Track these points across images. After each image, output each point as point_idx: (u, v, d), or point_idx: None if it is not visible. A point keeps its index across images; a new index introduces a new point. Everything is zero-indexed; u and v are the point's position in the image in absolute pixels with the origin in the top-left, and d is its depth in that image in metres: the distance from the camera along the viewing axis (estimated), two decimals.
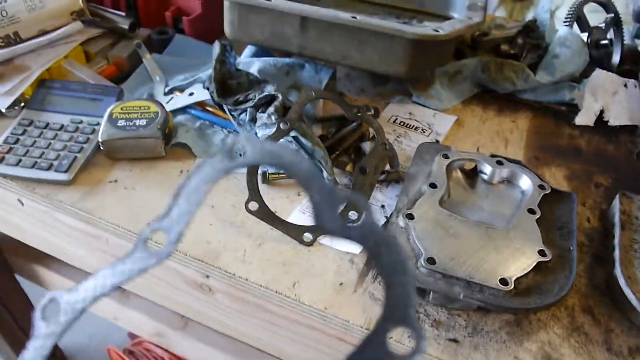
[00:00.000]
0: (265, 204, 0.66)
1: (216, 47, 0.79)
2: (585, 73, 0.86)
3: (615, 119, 0.81)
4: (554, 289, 0.57)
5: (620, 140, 0.83)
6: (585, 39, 0.87)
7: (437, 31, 0.72)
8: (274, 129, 0.71)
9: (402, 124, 0.83)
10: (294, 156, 0.25)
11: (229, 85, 0.79)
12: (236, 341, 0.79)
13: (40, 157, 0.73)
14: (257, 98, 0.75)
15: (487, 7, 0.87)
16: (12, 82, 0.82)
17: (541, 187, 0.67)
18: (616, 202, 0.66)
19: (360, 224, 0.25)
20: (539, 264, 0.58)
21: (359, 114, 0.74)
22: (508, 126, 0.85)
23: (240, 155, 0.26)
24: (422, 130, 0.83)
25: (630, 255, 0.61)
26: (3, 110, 0.80)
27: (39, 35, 0.88)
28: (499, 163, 0.70)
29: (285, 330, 0.65)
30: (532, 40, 0.93)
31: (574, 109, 0.85)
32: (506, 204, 0.67)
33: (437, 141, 0.80)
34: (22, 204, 0.75)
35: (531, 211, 0.63)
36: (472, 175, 0.71)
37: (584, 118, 0.82)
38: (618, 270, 0.58)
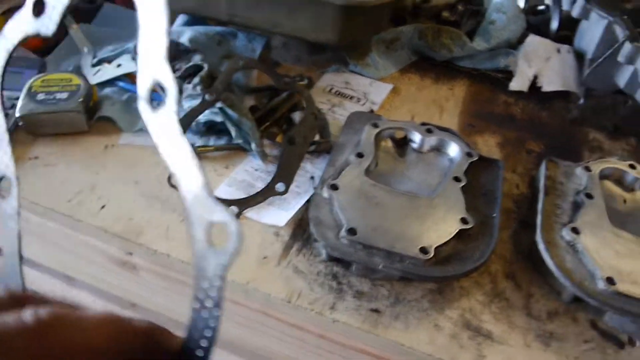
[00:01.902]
0: None
1: None
2: (523, 40, 0.85)
3: (548, 85, 0.81)
4: (474, 256, 0.57)
5: (555, 106, 0.83)
6: (522, 5, 0.87)
7: None
8: (199, 100, 0.69)
9: (337, 93, 0.82)
10: None
11: None
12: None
13: None
14: (183, 69, 0.73)
15: None
16: None
17: (469, 154, 0.66)
18: (542, 168, 0.67)
19: None
20: (460, 231, 0.58)
21: (288, 84, 0.72)
22: (444, 94, 0.84)
23: None
24: (358, 99, 0.81)
25: (552, 220, 0.61)
26: None
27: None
28: (429, 131, 0.69)
29: None
30: (472, 7, 0.92)
31: (510, 76, 0.85)
32: (434, 173, 0.67)
33: (372, 110, 0.79)
34: None
35: (457, 179, 0.63)
36: (403, 144, 0.70)
37: (518, 84, 0.82)
38: (538, 236, 0.58)
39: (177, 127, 0.23)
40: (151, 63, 0.22)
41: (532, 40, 0.82)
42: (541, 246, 0.58)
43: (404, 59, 0.88)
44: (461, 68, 0.87)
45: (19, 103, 0.71)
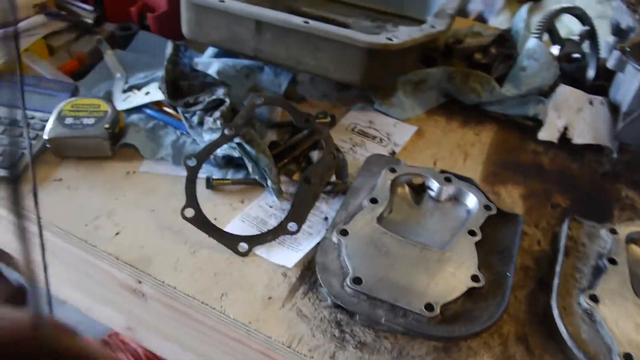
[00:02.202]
0: (201, 211, 0.65)
1: (169, 48, 0.77)
2: (555, 88, 0.83)
3: (578, 137, 0.78)
4: (482, 317, 0.55)
5: (586, 159, 0.80)
6: (556, 52, 0.84)
7: (391, 40, 0.70)
8: (219, 134, 0.70)
9: (360, 132, 0.81)
10: None
11: (181, 87, 0.77)
12: None
13: None
14: (206, 101, 0.73)
15: (456, 15, 0.84)
16: None
17: (487, 207, 0.64)
18: (564, 227, 0.64)
19: None
20: (471, 289, 0.56)
21: (308, 122, 0.72)
22: (470, 139, 0.82)
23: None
24: (380, 139, 0.80)
25: (570, 284, 0.58)
26: None
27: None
28: (447, 180, 0.67)
29: (215, 341, 0.63)
30: (505, 50, 0.90)
31: (540, 124, 0.82)
32: (450, 224, 0.65)
33: (394, 152, 0.78)
34: None
35: (472, 233, 0.61)
36: (420, 191, 0.69)
37: (546, 134, 0.79)
38: (554, 300, 0.56)
39: None
40: None
41: (563, 90, 0.80)
42: (555, 312, 0.55)
43: (432, 100, 0.87)
44: (490, 113, 0.85)
45: (48, 126, 0.73)
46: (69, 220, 0.67)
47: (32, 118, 0.77)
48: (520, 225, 0.64)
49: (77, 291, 0.82)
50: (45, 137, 0.72)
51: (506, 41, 0.91)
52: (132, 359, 1.46)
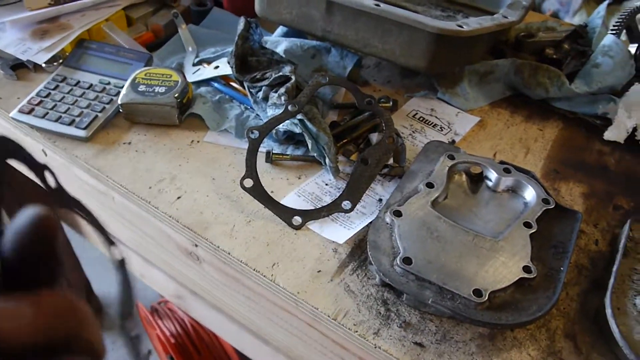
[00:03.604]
0: (260, 182, 0.67)
1: (241, 23, 0.79)
2: (628, 88, 0.80)
3: None
4: (531, 308, 0.54)
5: None
6: (633, 51, 0.81)
7: (461, 27, 0.69)
8: (282, 110, 0.71)
9: (421, 119, 0.81)
10: None
11: (249, 62, 0.79)
12: None
13: (65, 112, 0.77)
14: (272, 77, 0.75)
15: (530, 7, 0.82)
16: (53, 39, 0.86)
17: (545, 200, 0.63)
18: (626, 227, 0.62)
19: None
20: (521, 280, 0.55)
21: (370, 104, 0.73)
22: (533, 134, 0.81)
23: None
24: (441, 128, 0.80)
25: (627, 285, 0.56)
26: (43, 65, 0.85)
27: None
28: (507, 171, 0.66)
29: (262, 308, 0.66)
30: (578, 47, 0.88)
31: (608, 123, 0.79)
32: (505, 215, 0.64)
33: (453, 141, 0.78)
34: (46, 155, 0.79)
35: (527, 225, 0.60)
36: (477, 180, 0.68)
37: (613, 134, 0.76)
38: (607, 299, 0.55)
39: None
40: None
41: (636, 89, 0.77)
42: (608, 311, 0.54)
43: (497, 92, 0.85)
44: (556, 109, 0.83)
45: (123, 91, 0.77)
46: (134, 182, 0.71)
47: (108, 84, 0.82)
48: (578, 223, 0.62)
49: (135, 253, 0.87)
50: (119, 101, 0.76)
51: (580, 37, 0.88)
52: (178, 326, 1.53)
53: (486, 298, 0.53)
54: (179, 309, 1.49)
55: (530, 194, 0.64)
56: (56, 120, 0.76)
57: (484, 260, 0.57)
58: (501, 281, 0.55)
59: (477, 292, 0.54)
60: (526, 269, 0.56)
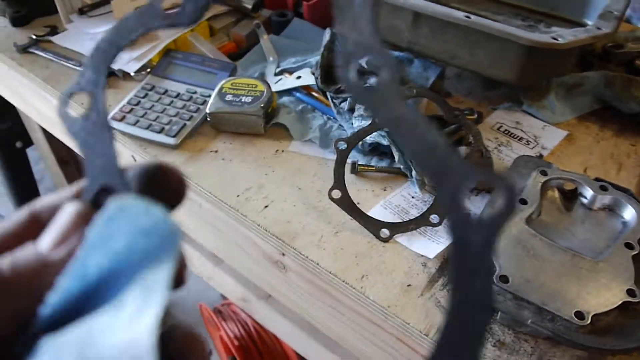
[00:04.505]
0: (348, 193, 0.67)
1: (327, 35, 0.80)
2: None
3: None
4: (637, 334, 0.52)
5: None
6: None
7: (556, 39, 0.68)
8: (369, 121, 0.72)
9: (506, 132, 0.80)
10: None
11: (334, 73, 0.80)
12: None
13: (155, 120, 0.80)
14: None
15: (623, 17, 0.79)
16: (142, 49, 0.90)
17: None
18: None
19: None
20: (625, 303, 0.54)
21: (457, 117, 0.72)
22: (626, 150, 0.78)
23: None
24: (527, 141, 0.78)
25: None
26: (132, 74, 0.88)
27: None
28: (603, 188, 0.64)
29: (348, 320, 0.66)
30: None
31: None
32: (603, 234, 0.62)
33: (541, 155, 0.76)
34: (135, 160, 0.82)
35: (629, 245, 0.58)
36: (571, 197, 0.66)
37: None
38: None
39: None
40: None
41: None
42: None
43: (585, 105, 0.83)
44: None
45: (210, 100, 0.79)
46: (222, 190, 0.73)
47: (195, 93, 0.84)
48: None
49: (207, 259, 0.89)
50: (207, 110, 0.78)
51: None
52: (241, 328, 1.55)
53: (589, 321, 0.52)
54: (242, 312, 1.51)
55: (629, 213, 0.62)
56: (147, 128, 0.79)
57: (585, 281, 0.55)
58: (604, 304, 0.53)
59: (579, 315, 0.52)
60: (630, 292, 0.54)
